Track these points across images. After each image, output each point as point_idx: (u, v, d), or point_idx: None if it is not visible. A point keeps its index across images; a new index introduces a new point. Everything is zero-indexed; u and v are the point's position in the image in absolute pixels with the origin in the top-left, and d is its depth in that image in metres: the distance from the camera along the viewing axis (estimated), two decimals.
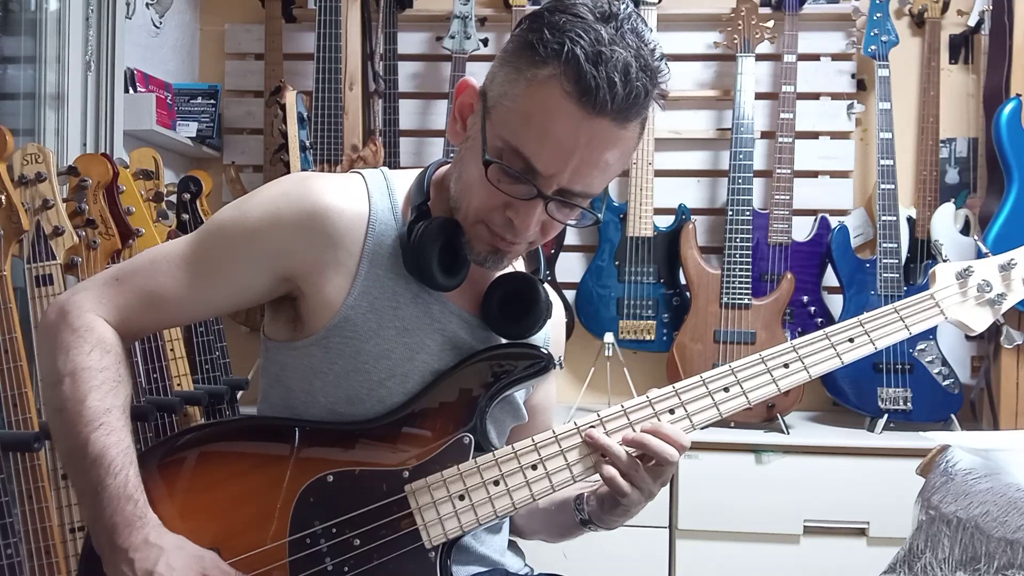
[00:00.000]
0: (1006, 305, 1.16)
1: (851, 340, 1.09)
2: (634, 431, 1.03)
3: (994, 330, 1.15)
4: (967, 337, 1.18)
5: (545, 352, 1.08)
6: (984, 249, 1.21)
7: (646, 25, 0.97)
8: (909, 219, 2.51)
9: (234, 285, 1.06)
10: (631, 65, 0.92)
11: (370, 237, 1.05)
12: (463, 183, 1.03)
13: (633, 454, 1.02)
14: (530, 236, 1.02)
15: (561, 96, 0.92)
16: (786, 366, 1.08)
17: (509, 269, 1.13)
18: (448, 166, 1.11)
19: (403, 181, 1.12)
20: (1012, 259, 1.17)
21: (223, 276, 1.06)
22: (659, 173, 2.56)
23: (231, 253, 1.05)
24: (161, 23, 2.58)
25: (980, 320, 1.15)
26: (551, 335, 1.22)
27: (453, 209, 1.05)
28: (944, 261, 1.17)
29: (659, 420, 1.04)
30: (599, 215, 1.07)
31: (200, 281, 1.05)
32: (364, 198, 1.07)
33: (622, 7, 0.95)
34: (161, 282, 1.05)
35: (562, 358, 1.24)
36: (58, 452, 1.05)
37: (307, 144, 2.19)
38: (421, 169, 1.12)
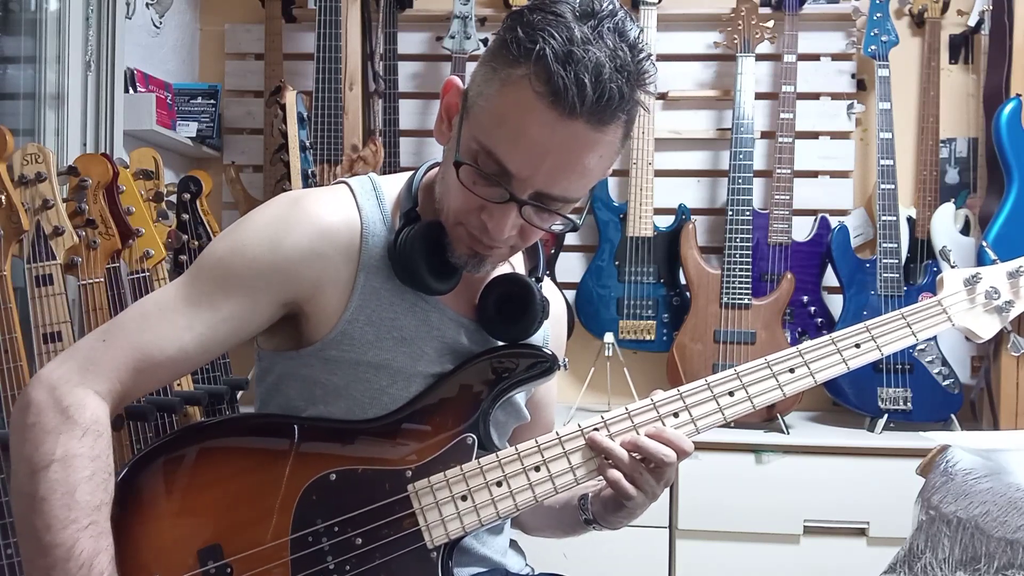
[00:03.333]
0: (1014, 313, 1.15)
1: (857, 346, 1.09)
2: (637, 434, 1.02)
3: (997, 334, 1.16)
4: (967, 338, 1.18)
5: (549, 354, 1.07)
6: (992, 255, 1.20)
7: (634, 23, 0.93)
8: (909, 219, 2.51)
9: (237, 320, 1.01)
10: (604, 66, 0.88)
11: (364, 249, 1.04)
12: (445, 184, 1.02)
13: (636, 457, 1.01)
14: (508, 240, 1.00)
15: (532, 97, 0.89)
16: (792, 371, 1.07)
17: (506, 269, 1.12)
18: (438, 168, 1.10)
19: (392, 186, 1.10)
20: (1020, 266, 1.17)
21: (226, 313, 1.00)
22: (659, 173, 2.55)
23: (235, 288, 1.01)
24: (161, 23, 2.58)
25: (987, 327, 1.15)
26: (551, 332, 1.21)
27: (437, 210, 1.04)
28: (953, 267, 1.17)
29: (663, 423, 1.04)
30: (577, 221, 1.02)
31: (201, 322, 1.00)
32: (355, 209, 1.05)
33: (607, 5, 0.92)
34: (157, 332, 0.98)
35: (566, 359, 1.22)
36: (26, 544, 0.92)
37: (307, 144, 2.19)
38: (411, 173, 1.11)
